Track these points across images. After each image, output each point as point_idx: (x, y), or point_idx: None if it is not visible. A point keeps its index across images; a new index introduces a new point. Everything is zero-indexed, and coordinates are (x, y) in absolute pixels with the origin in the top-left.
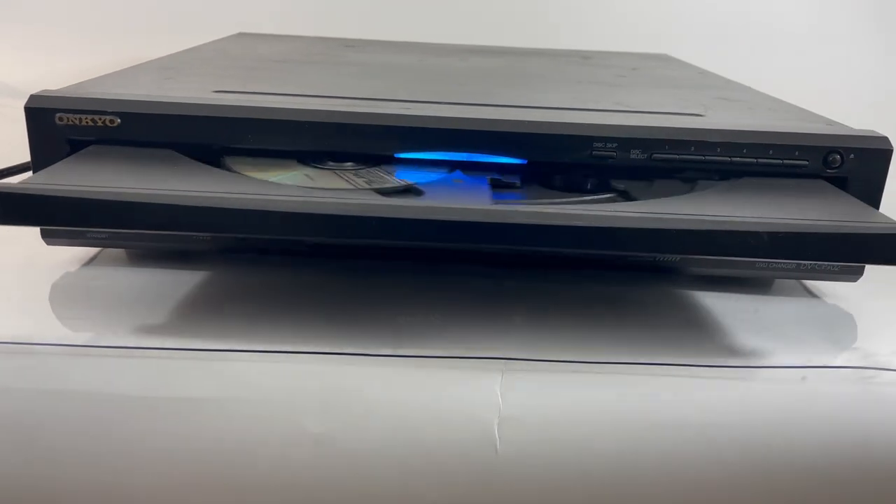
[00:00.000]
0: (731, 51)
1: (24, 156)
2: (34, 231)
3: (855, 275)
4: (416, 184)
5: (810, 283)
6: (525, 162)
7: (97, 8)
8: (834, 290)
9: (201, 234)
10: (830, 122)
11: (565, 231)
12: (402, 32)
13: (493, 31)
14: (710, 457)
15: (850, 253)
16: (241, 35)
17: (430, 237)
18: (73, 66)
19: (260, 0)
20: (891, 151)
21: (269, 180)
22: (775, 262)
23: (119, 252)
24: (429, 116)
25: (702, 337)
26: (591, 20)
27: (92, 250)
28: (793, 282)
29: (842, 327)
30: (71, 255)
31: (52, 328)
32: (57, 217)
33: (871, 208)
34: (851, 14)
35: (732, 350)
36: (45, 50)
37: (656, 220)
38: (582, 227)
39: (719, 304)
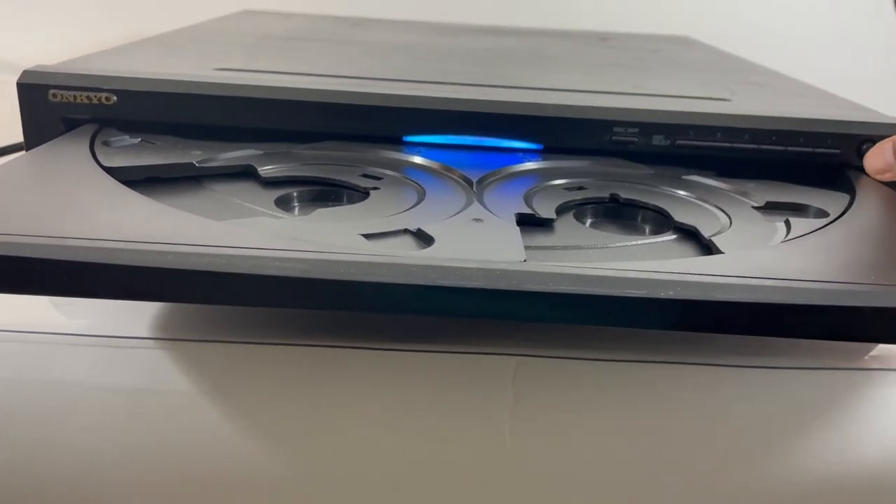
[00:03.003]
0: (752, 34)
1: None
2: None
3: None
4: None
5: None
6: (541, 147)
7: None
8: None
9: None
10: (864, 109)
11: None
12: (413, 11)
13: (508, 10)
14: (724, 458)
15: None
16: (246, 12)
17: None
18: (75, 43)
19: None
20: None
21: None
22: None
23: None
24: (439, 98)
25: (718, 335)
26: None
27: None
28: None
29: None
30: None
31: (46, 317)
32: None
33: None
34: None
35: (749, 349)
36: (48, 26)
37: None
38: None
39: None
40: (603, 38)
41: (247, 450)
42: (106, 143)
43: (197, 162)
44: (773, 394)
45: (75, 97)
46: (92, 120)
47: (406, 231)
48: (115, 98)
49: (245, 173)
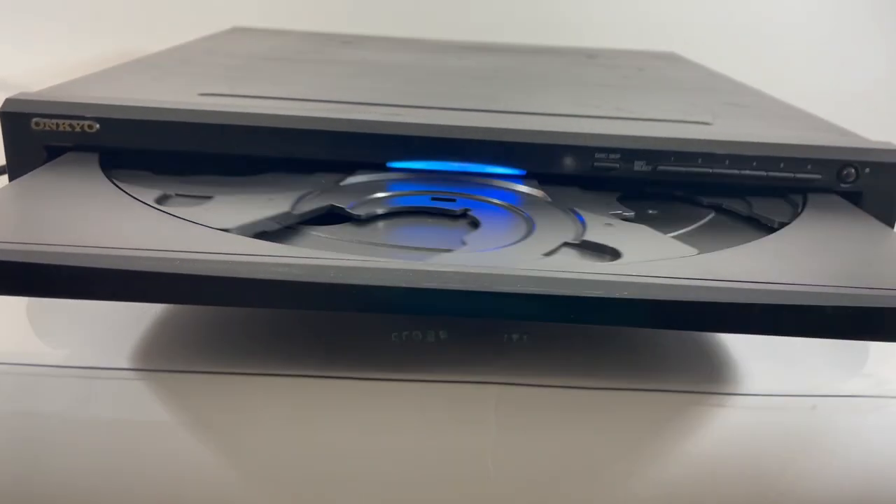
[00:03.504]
0: (738, 47)
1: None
2: None
3: None
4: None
5: None
6: (524, 173)
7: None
8: None
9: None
10: (845, 133)
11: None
12: (403, 27)
13: (496, 26)
14: (715, 488)
15: None
16: (234, 30)
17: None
18: (64, 60)
19: None
20: None
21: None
22: None
23: None
24: (421, 124)
25: (707, 361)
26: (596, 16)
27: None
28: None
29: (853, 350)
30: None
31: (29, 345)
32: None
33: None
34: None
35: (739, 375)
36: (36, 42)
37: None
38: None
39: None
40: (590, 56)
41: (228, 481)
42: (165, 198)
43: (292, 210)
44: (766, 422)
45: (58, 125)
46: (75, 147)
47: (566, 244)
48: (97, 126)
49: (329, 214)
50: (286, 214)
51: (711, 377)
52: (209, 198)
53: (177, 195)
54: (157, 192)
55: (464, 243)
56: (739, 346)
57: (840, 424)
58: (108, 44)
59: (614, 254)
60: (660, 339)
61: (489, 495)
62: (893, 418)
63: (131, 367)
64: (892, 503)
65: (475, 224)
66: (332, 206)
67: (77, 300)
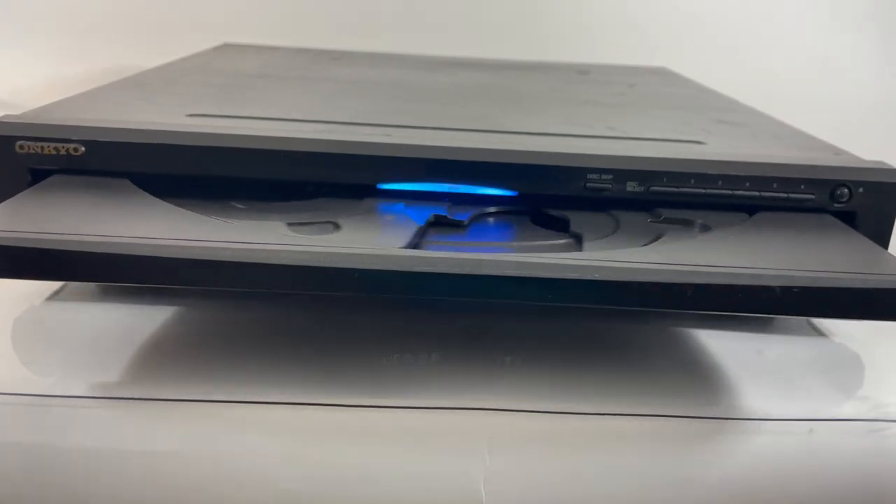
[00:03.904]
0: (728, 61)
1: None
2: None
3: None
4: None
5: (814, 320)
6: (515, 194)
7: (81, 15)
8: (838, 328)
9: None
10: (838, 152)
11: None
12: (392, 44)
13: (488, 41)
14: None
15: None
16: (225, 46)
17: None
18: (52, 77)
19: (248, 9)
20: None
21: None
22: None
23: (86, 285)
24: (411, 146)
25: (703, 385)
26: (588, 31)
27: (56, 283)
28: (796, 318)
29: (849, 371)
30: (35, 288)
31: (14, 373)
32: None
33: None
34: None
35: (736, 400)
36: (27, 57)
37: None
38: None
39: (721, 345)
40: (582, 72)
41: None
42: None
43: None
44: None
45: (43, 148)
46: (60, 171)
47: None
48: (83, 149)
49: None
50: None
51: (708, 401)
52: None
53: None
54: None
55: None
56: (735, 371)
57: (837, 448)
58: (97, 60)
59: None
60: (655, 362)
61: None
62: (889, 441)
63: (112, 395)
64: None
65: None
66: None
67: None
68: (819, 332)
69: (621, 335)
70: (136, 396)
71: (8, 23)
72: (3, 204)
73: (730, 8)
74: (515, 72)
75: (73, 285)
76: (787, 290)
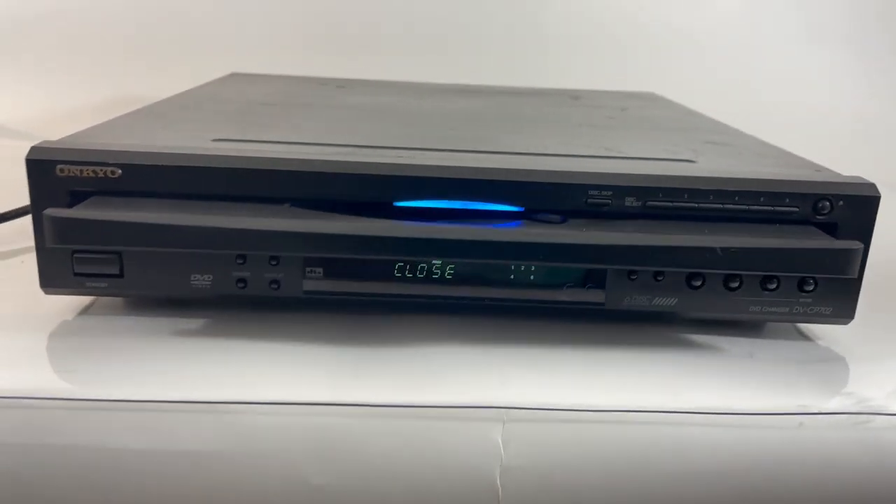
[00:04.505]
0: (713, 87)
1: (20, 198)
2: (32, 279)
3: (846, 318)
4: None
5: (802, 326)
6: (522, 209)
7: (90, 48)
8: (825, 333)
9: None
10: (819, 168)
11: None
12: (390, 72)
13: (481, 69)
14: (713, 501)
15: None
16: (233, 76)
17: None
18: (66, 106)
19: (252, 40)
20: (878, 198)
21: None
22: (768, 307)
23: (115, 300)
24: (429, 166)
25: (700, 383)
26: (578, 59)
27: (87, 299)
28: (785, 325)
29: (835, 371)
30: (66, 304)
31: (49, 381)
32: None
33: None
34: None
35: (730, 397)
36: (39, 89)
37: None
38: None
39: (715, 349)
40: (574, 97)
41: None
42: None
43: None
44: (755, 440)
45: (82, 171)
46: (98, 192)
47: None
48: (119, 171)
49: None
50: None
51: (705, 398)
52: None
53: None
54: None
55: None
56: (730, 371)
57: (825, 439)
58: (106, 92)
59: None
60: (656, 363)
61: None
62: (873, 432)
63: (153, 399)
64: None
65: None
66: None
67: None
68: (806, 337)
69: (626, 337)
70: (167, 399)
71: (16, 55)
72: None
73: (716, 36)
74: (511, 97)
75: (102, 301)
76: (725, 250)
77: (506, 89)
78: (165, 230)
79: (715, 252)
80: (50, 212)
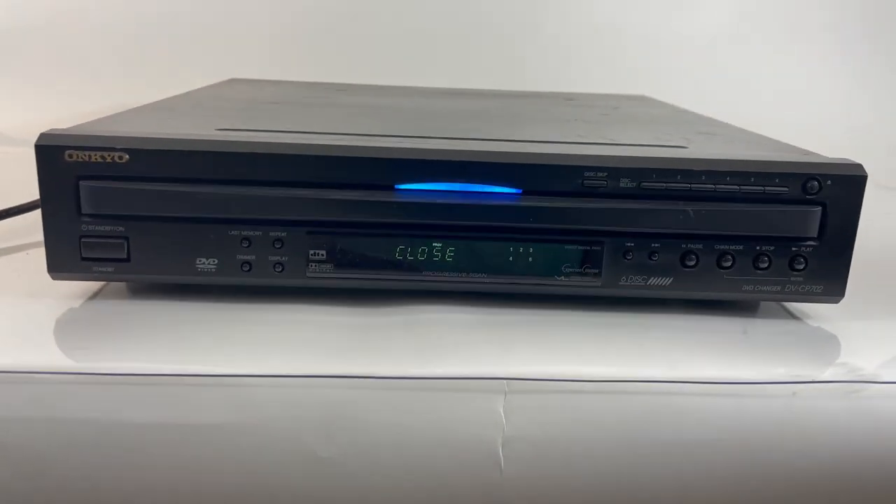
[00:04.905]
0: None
1: (17, 198)
2: (40, 266)
3: (836, 296)
4: None
5: (793, 306)
6: (520, 191)
7: (84, 58)
8: (816, 312)
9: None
10: (807, 153)
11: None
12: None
13: (474, 74)
14: (706, 472)
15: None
16: (233, 80)
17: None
18: (62, 115)
19: (250, 48)
20: (865, 178)
21: None
22: (760, 286)
23: (121, 286)
24: (429, 149)
25: (697, 356)
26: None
27: (95, 285)
28: (777, 305)
29: (827, 345)
30: (74, 289)
31: (58, 358)
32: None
33: None
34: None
35: (727, 368)
36: (35, 98)
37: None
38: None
39: (710, 328)
40: (568, 99)
41: (254, 482)
42: None
43: None
44: (751, 408)
45: (90, 156)
46: (105, 177)
47: None
48: (127, 157)
49: None
50: None
51: (702, 369)
52: None
53: None
54: None
55: None
56: (724, 346)
57: (818, 407)
58: (103, 102)
59: None
60: (656, 339)
61: (500, 489)
62: (864, 401)
63: (162, 372)
64: (867, 477)
65: None
66: None
67: None
68: (796, 317)
69: (627, 318)
70: (176, 373)
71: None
72: None
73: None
74: (506, 99)
75: (110, 288)
76: (697, 213)
77: (501, 92)
78: (191, 197)
79: (688, 214)
80: (86, 183)
